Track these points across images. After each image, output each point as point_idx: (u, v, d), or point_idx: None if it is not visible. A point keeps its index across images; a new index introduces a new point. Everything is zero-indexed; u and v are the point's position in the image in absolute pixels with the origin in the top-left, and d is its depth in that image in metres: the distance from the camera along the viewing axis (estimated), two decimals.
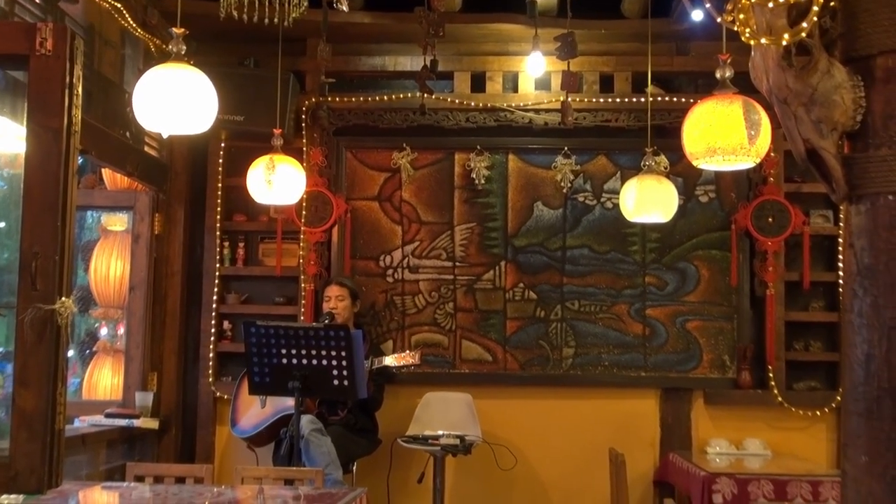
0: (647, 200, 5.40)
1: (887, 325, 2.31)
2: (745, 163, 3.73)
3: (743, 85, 3.47)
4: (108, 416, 5.89)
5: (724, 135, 3.64)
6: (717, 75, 3.81)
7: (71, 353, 6.11)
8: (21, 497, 3.02)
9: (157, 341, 6.40)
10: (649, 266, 6.59)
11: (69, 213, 3.02)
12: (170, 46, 3.74)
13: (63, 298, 2.98)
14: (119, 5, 5.52)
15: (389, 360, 5.83)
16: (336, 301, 6.10)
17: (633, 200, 5.43)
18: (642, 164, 5.49)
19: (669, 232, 6.53)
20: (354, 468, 6.02)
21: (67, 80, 3.04)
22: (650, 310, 6.56)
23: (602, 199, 6.63)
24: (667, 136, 6.15)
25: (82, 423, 5.75)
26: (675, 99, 6.43)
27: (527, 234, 6.63)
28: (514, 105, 6.52)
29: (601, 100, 6.49)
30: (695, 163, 3.77)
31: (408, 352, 5.85)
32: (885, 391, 2.30)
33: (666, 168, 6.39)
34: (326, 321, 5.85)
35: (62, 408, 3.54)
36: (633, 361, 6.53)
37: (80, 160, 4.26)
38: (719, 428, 6.44)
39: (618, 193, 5.99)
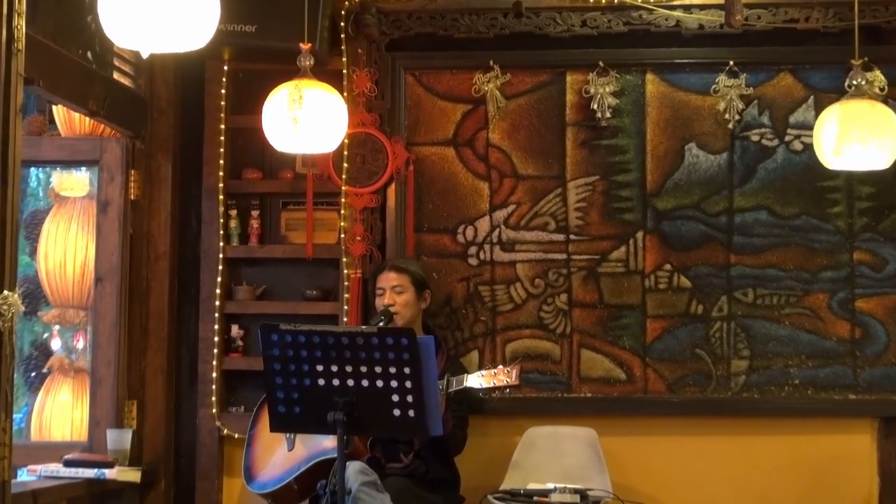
0: (856, 137, 5.34)
1: None
2: None
3: None
4: (69, 464, 5.98)
5: None
6: None
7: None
8: None
9: (137, 356, 6.49)
10: (859, 237, 6.53)
11: (12, 171, 3.05)
12: None
13: (6, 292, 3.03)
14: None
15: (474, 381, 5.78)
16: (393, 294, 6.11)
17: (833, 138, 5.37)
18: (847, 83, 5.43)
19: (889, 185, 6.47)
20: None
21: None
22: (861, 301, 6.52)
23: (787, 139, 6.59)
24: (883, 42, 6.08)
25: (32, 475, 5.86)
26: None
27: (675, 193, 6.62)
28: (652, 1, 6.49)
29: None
30: None
31: (500, 367, 5.79)
32: None
33: (883, 90, 6.32)
34: (381, 323, 5.88)
35: (7, 451, 3.61)
36: (838, 378, 6.49)
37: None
38: None
39: (810, 129, 5.95)
